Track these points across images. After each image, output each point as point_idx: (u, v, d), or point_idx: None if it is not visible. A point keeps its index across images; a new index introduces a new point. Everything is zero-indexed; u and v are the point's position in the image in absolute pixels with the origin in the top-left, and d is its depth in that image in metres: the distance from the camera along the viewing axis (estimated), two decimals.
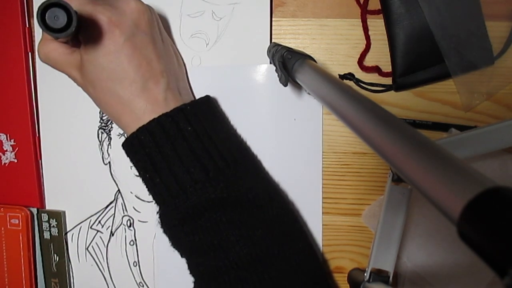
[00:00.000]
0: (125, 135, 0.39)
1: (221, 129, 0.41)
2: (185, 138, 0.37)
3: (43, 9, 0.31)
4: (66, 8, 0.32)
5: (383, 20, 0.44)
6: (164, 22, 0.46)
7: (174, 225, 0.38)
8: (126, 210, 0.49)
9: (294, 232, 0.41)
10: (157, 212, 0.39)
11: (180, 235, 0.38)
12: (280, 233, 0.39)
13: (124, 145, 0.39)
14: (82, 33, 0.36)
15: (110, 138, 0.48)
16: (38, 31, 0.48)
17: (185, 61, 0.46)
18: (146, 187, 0.39)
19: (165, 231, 0.39)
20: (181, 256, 0.40)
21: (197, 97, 0.46)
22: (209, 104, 0.41)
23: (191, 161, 0.36)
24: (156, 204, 0.39)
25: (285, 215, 0.41)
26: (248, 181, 0.39)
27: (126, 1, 0.38)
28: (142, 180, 0.39)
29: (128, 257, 0.50)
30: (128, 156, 0.39)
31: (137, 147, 0.38)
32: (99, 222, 0.50)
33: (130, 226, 0.49)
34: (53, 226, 0.49)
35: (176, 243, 0.39)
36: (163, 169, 0.37)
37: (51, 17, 0.31)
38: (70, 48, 0.39)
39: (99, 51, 0.37)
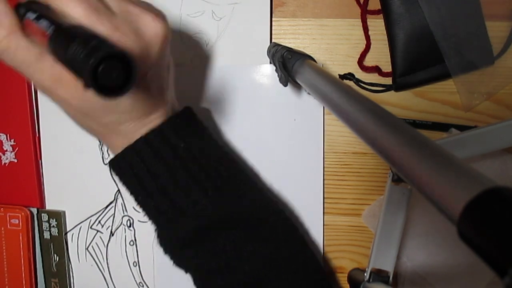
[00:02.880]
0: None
1: (212, 142, 0.37)
2: (178, 156, 0.33)
3: (99, 61, 0.21)
4: (125, 59, 0.22)
5: (383, 20, 0.44)
6: None
7: (174, 249, 0.35)
8: (126, 210, 0.49)
9: (297, 243, 0.40)
10: (155, 230, 0.36)
11: (182, 258, 0.36)
12: (285, 246, 0.37)
13: (110, 165, 0.35)
14: None
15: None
16: None
17: (185, 61, 0.46)
18: (140, 208, 0.35)
19: (165, 252, 0.36)
20: (185, 272, 0.38)
21: (197, 99, 0.46)
22: (195, 116, 0.37)
23: (187, 180, 0.33)
24: (151, 224, 0.36)
25: (286, 226, 0.39)
26: (248, 196, 0.36)
27: (150, 23, 0.30)
28: (135, 202, 0.35)
29: (128, 257, 0.50)
30: (116, 176, 0.35)
31: (124, 168, 0.34)
32: (99, 222, 0.50)
33: (130, 226, 0.49)
34: (53, 226, 0.49)
35: (178, 264, 0.37)
36: (156, 193, 0.33)
37: (106, 69, 0.22)
38: (45, 51, 0.29)
39: None
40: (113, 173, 0.35)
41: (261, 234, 0.36)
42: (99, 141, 0.48)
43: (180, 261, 0.37)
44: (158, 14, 0.31)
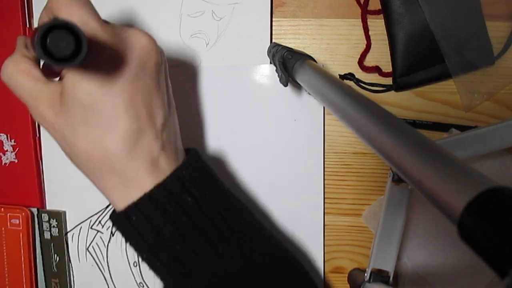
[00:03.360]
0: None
1: (219, 190, 0.34)
2: (185, 212, 0.30)
3: (45, 32, 0.24)
4: (74, 31, 0.24)
5: (383, 20, 0.44)
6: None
7: None
8: None
9: (304, 281, 0.37)
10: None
11: None
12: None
13: (112, 220, 0.32)
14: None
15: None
16: None
17: (185, 61, 0.46)
18: (146, 264, 0.33)
19: None
20: None
21: (197, 99, 0.46)
22: (201, 160, 0.34)
23: (195, 238, 0.30)
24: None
25: (299, 272, 0.37)
26: (257, 246, 0.33)
27: (137, 35, 0.31)
28: (140, 258, 0.33)
29: (128, 257, 0.50)
30: (118, 232, 0.32)
31: (128, 228, 0.31)
32: (100, 222, 0.50)
33: None
34: (54, 226, 0.49)
35: None
36: (163, 253, 0.31)
37: (54, 41, 0.24)
38: (47, 75, 0.31)
39: (93, 88, 0.28)
40: (115, 226, 0.32)
41: (276, 285, 0.33)
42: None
43: None
44: (146, 32, 0.32)
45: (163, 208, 0.30)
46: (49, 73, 0.32)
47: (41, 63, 0.33)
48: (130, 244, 0.32)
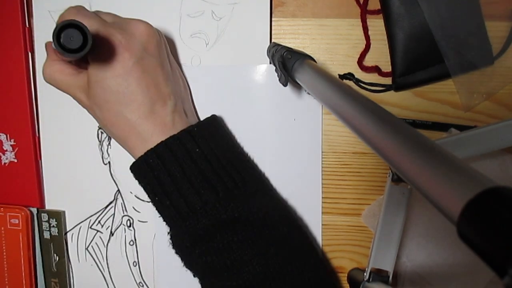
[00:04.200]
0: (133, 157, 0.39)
1: (228, 149, 0.41)
2: (193, 160, 0.37)
3: (59, 30, 0.31)
4: (81, 29, 0.31)
5: (383, 20, 0.44)
6: (170, 44, 0.46)
7: (186, 247, 0.38)
8: (126, 210, 0.49)
9: (305, 248, 0.41)
10: (168, 233, 0.39)
11: (192, 256, 0.38)
12: (291, 250, 0.39)
13: (132, 169, 0.39)
14: (91, 54, 0.36)
15: (110, 138, 0.48)
16: (38, 31, 0.48)
17: (185, 61, 0.46)
18: (156, 209, 0.39)
19: (177, 252, 0.39)
20: (194, 276, 0.40)
21: (197, 99, 0.46)
22: (215, 124, 0.42)
23: (200, 182, 0.36)
24: (167, 225, 0.39)
25: (295, 232, 0.41)
26: (258, 200, 0.39)
27: (136, 24, 0.38)
28: (152, 202, 0.39)
29: (128, 257, 0.50)
30: (136, 179, 0.39)
31: (146, 170, 0.38)
32: (99, 222, 0.50)
33: (130, 226, 0.49)
34: (53, 226, 0.49)
35: (189, 264, 0.39)
36: (172, 192, 0.37)
37: (66, 37, 0.31)
38: (76, 69, 0.39)
39: (108, 73, 0.36)
40: (134, 174, 0.39)
41: (269, 238, 0.37)
42: (103, 145, 0.48)
43: (189, 260, 0.39)
44: (143, 21, 0.39)
45: (175, 154, 0.37)
46: (79, 66, 0.40)
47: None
48: (146, 187, 0.39)
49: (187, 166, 0.37)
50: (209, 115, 0.43)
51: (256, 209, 0.37)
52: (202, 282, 0.40)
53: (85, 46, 0.32)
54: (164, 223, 0.39)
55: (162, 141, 0.37)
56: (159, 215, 0.39)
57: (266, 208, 0.39)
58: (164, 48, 0.41)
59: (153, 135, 0.37)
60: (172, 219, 0.38)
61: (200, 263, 0.38)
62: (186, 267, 0.40)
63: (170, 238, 0.39)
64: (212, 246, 0.37)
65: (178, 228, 0.38)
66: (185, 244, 0.38)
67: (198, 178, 0.37)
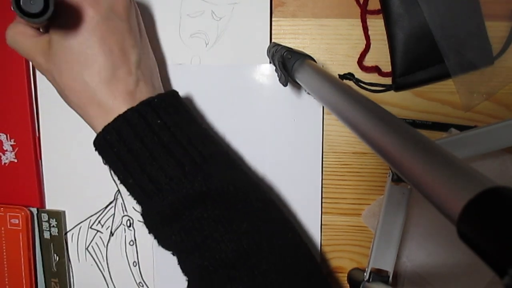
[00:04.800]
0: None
1: (192, 121, 0.37)
2: (155, 133, 0.34)
3: None
4: None
5: (383, 20, 0.45)
6: (150, 21, 0.45)
7: (155, 226, 0.36)
8: (126, 210, 0.49)
9: (281, 223, 0.38)
10: (140, 213, 0.37)
11: (163, 235, 0.36)
12: (265, 226, 0.36)
13: (94, 145, 0.37)
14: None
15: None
16: None
17: (185, 61, 0.46)
18: (124, 187, 0.36)
19: (149, 232, 0.37)
20: (173, 255, 0.38)
21: (197, 99, 0.46)
22: (177, 97, 0.38)
23: (164, 156, 0.34)
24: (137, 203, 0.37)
25: (269, 207, 0.38)
26: (227, 174, 0.36)
27: None
28: (118, 181, 0.36)
29: (128, 257, 0.50)
30: (99, 155, 0.37)
31: (105, 147, 0.35)
32: (99, 222, 0.50)
33: (129, 226, 0.49)
34: (53, 226, 0.49)
35: (162, 243, 0.37)
36: (134, 169, 0.34)
37: (26, 1, 0.30)
38: (40, 32, 0.37)
39: (70, 30, 0.34)
40: (96, 150, 0.37)
41: (241, 213, 0.35)
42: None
43: (162, 240, 0.37)
44: None
45: (134, 127, 0.34)
46: (43, 30, 0.38)
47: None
48: (109, 165, 0.36)
49: (149, 140, 0.34)
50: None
51: (226, 182, 0.35)
52: (178, 261, 0.37)
53: (46, 10, 0.30)
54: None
55: (119, 115, 0.34)
56: (128, 194, 0.37)
57: (237, 181, 0.36)
58: (134, 14, 0.39)
59: (114, 105, 0.35)
60: (138, 197, 0.35)
61: (171, 242, 0.35)
62: (162, 247, 0.37)
63: (142, 217, 0.37)
64: (182, 224, 0.34)
65: (145, 207, 0.35)
66: (154, 223, 0.35)
67: (161, 152, 0.34)
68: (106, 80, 0.35)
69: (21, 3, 0.30)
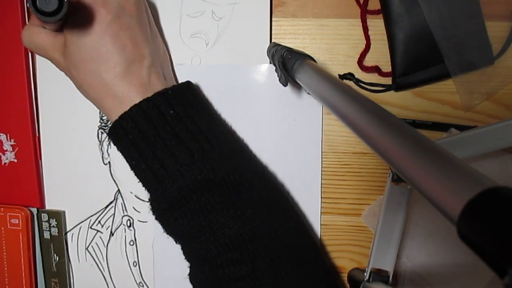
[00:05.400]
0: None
1: (204, 112, 0.40)
2: (168, 122, 0.36)
3: None
4: None
5: (383, 20, 0.44)
6: (156, 16, 0.46)
7: (163, 210, 0.37)
8: (126, 210, 0.49)
9: (285, 211, 0.41)
10: (148, 199, 0.39)
11: (170, 220, 0.37)
12: (269, 213, 0.38)
13: (109, 133, 0.39)
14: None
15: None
16: None
17: (185, 61, 0.46)
18: (135, 175, 0.39)
19: (156, 218, 0.39)
20: (176, 242, 0.40)
21: None
22: (191, 89, 0.41)
23: (175, 144, 0.36)
24: (146, 191, 0.39)
25: (274, 195, 0.41)
26: (234, 162, 0.38)
27: None
28: (130, 167, 0.38)
29: (128, 257, 0.50)
30: (114, 144, 0.39)
31: (121, 134, 0.37)
32: (99, 222, 0.50)
33: (130, 226, 0.49)
34: (53, 226, 0.49)
35: (168, 228, 0.39)
36: (147, 155, 0.36)
37: (42, 0, 0.31)
38: (54, 32, 0.39)
39: (83, 30, 0.36)
40: (111, 138, 0.39)
41: (246, 200, 0.37)
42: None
43: (168, 225, 0.39)
44: None
45: (149, 116, 0.36)
46: (58, 29, 0.39)
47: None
48: (122, 151, 0.38)
49: (162, 128, 0.36)
50: None
51: (232, 170, 0.37)
52: (182, 247, 0.40)
53: (61, 9, 0.32)
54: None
55: (135, 104, 0.36)
56: (138, 181, 0.39)
57: (243, 169, 0.38)
58: (144, 10, 0.40)
59: (129, 96, 0.37)
60: (149, 182, 0.37)
61: (178, 226, 0.37)
62: (167, 233, 0.39)
63: (150, 204, 0.39)
64: (189, 208, 0.36)
65: (155, 192, 0.37)
66: (162, 208, 0.37)
67: (173, 140, 0.36)
68: (120, 75, 0.37)
69: (37, 2, 0.31)
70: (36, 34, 0.39)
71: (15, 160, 0.49)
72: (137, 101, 0.37)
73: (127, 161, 0.38)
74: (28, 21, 0.40)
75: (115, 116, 0.37)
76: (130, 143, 0.37)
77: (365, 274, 0.42)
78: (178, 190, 0.36)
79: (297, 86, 0.45)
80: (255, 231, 0.36)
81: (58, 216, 0.49)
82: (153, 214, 0.39)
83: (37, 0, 0.31)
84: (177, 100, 0.38)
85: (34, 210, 0.49)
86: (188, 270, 0.40)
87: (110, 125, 0.38)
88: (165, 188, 0.36)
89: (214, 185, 0.36)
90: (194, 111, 0.38)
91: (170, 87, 0.38)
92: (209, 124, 0.39)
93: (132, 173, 0.39)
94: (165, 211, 0.37)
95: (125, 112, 0.37)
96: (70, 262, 0.50)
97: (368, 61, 0.46)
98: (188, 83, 0.41)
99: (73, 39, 0.37)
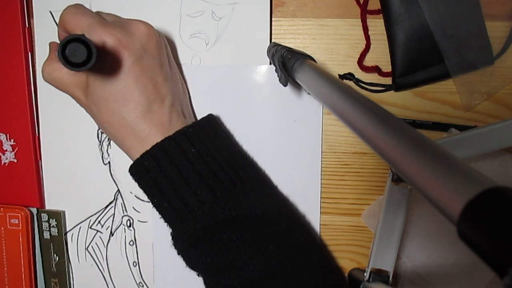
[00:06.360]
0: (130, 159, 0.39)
1: (225, 148, 0.40)
2: (189, 160, 0.37)
3: (64, 44, 0.31)
4: (86, 43, 0.31)
5: (383, 20, 0.44)
6: (171, 45, 0.46)
7: (186, 248, 0.38)
8: (126, 210, 0.49)
9: (307, 245, 0.41)
10: (171, 234, 0.39)
11: (193, 257, 0.38)
12: (292, 248, 0.38)
13: (130, 171, 0.39)
14: None
15: (110, 138, 0.48)
16: (38, 31, 0.48)
17: (185, 61, 0.46)
18: (157, 211, 0.39)
19: (178, 253, 0.39)
20: (198, 276, 0.40)
21: (197, 99, 0.46)
22: (211, 124, 0.41)
23: (197, 183, 0.36)
24: (168, 227, 0.39)
25: (296, 229, 0.41)
26: (256, 198, 0.38)
27: (136, 25, 0.38)
28: (152, 205, 0.39)
29: (128, 257, 0.50)
30: (135, 181, 0.39)
31: (142, 173, 0.37)
32: (99, 222, 0.50)
33: (129, 226, 0.49)
34: (53, 226, 0.49)
35: (191, 264, 0.39)
36: (169, 194, 0.37)
37: (71, 50, 0.31)
38: None
39: (106, 72, 0.36)
40: (132, 176, 0.39)
41: (268, 236, 0.37)
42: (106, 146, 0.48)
43: (191, 261, 0.39)
44: (144, 21, 0.39)
45: (170, 155, 0.37)
46: None
47: None
48: (144, 189, 0.38)
49: (183, 167, 0.36)
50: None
51: (254, 207, 0.37)
52: (205, 281, 0.40)
53: (89, 59, 0.32)
54: (166, 224, 0.39)
55: (157, 143, 0.37)
56: (160, 217, 0.39)
57: (265, 205, 0.38)
58: (164, 49, 0.40)
59: (150, 135, 0.37)
60: (171, 220, 0.38)
61: (201, 263, 0.38)
62: (190, 268, 0.39)
63: (172, 239, 0.39)
64: (212, 246, 0.36)
65: (178, 230, 0.38)
66: (186, 246, 0.37)
67: (195, 178, 0.36)
68: (142, 115, 0.37)
69: (66, 54, 0.31)
70: (58, 70, 0.39)
71: (15, 160, 0.49)
72: (158, 140, 0.37)
73: (149, 198, 0.38)
74: (49, 55, 0.40)
75: (136, 155, 0.37)
76: (152, 182, 0.37)
77: (365, 274, 0.42)
78: (201, 228, 0.36)
79: (297, 86, 0.45)
80: (278, 267, 0.37)
81: (58, 216, 0.49)
82: (175, 249, 0.39)
83: (66, 51, 0.31)
84: (198, 137, 0.38)
85: (34, 210, 0.49)
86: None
87: (131, 164, 0.38)
88: (187, 227, 0.36)
89: (237, 223, 0.36)
90: (214, 147, 0.38)
91: (190, 124, 0.39)
92: (230, 159, 0.39)
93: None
94: (188, 249, 0.38)
95: (147, 151, 0.37)
96: (70, 262, 0.50)
97: (368, 61, 0.46)
98: (209, 118, 0.41)
99: (95, 79, 0.37)
